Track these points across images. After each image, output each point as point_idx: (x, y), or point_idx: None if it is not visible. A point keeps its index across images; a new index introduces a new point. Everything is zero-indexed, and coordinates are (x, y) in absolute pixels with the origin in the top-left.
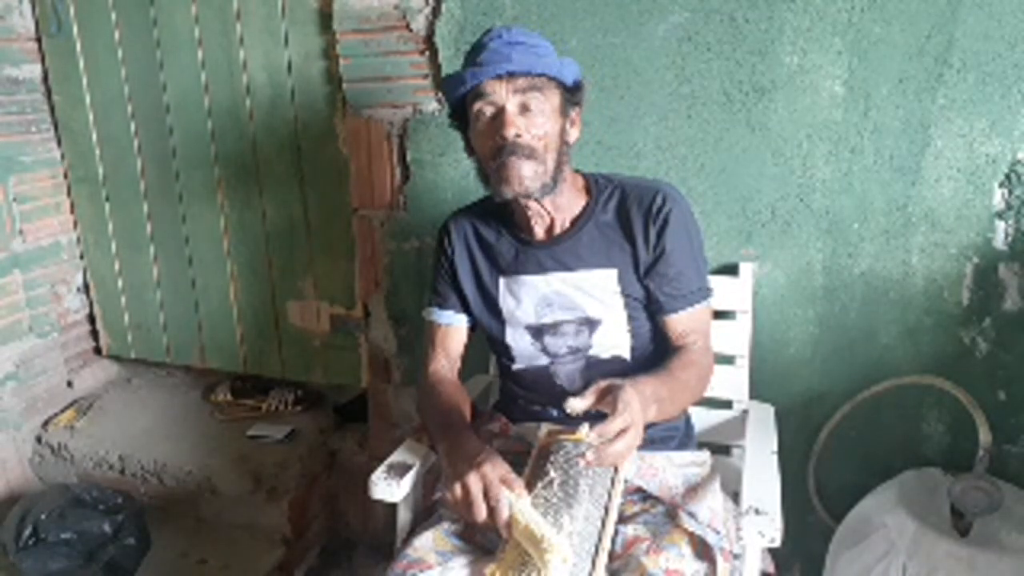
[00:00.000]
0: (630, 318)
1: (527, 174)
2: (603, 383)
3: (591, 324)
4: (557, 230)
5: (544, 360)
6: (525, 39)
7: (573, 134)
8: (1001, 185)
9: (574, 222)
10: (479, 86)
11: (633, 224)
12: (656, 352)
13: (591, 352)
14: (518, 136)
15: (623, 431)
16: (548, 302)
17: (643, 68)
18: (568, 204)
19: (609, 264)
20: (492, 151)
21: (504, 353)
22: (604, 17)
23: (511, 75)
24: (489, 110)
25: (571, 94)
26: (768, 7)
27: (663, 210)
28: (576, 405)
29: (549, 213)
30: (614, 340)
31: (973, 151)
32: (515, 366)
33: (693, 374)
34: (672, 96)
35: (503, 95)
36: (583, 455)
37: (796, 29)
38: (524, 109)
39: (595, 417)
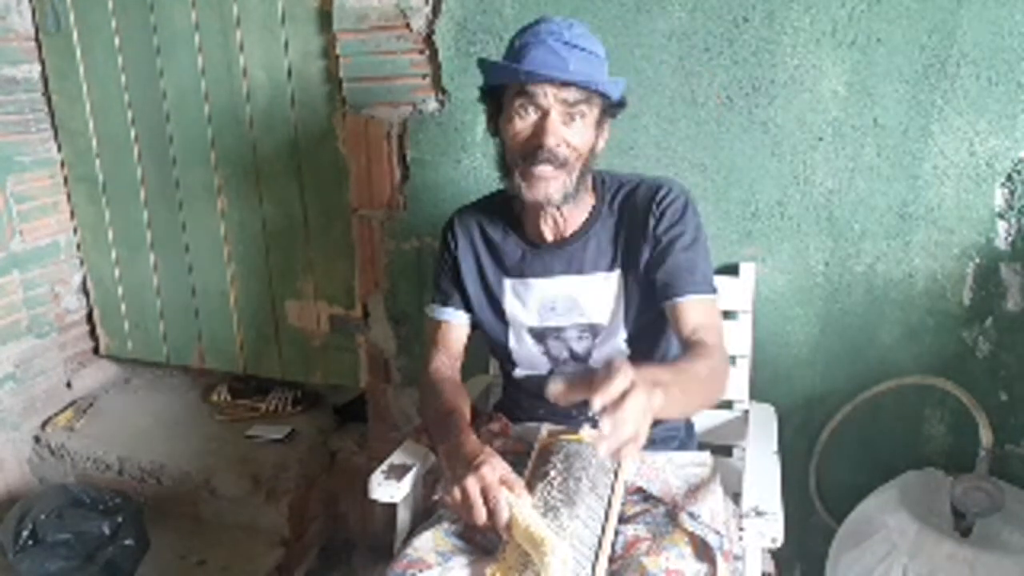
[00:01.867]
0: (628, 324)
1: (555, 185)
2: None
3: (593, 329)
4: (566, 232)
5: (545, 367)
6: (584, 44)
7: (601, 144)
8: (1003, 185)
9: (582, 224)
10: (527, 84)
11: (636, 219)
12: (658, 363)
13: (591, 362)
14: (557, 146)
15: (627, 392)
16: (552, 305)
17: (643, 68)
18: (579, 206)
19: (614, 266)
20: (525, 152)
21: (505, 357)
22: (604, 17)
23: (564, 83)
24: (532, 110)
25: (611, 107)
26: (768, 7)
27: (663, 202)
28: (555, 387)
29: (563, 216)
30: (614, 348)
31: (974, 150)
32: (516, 372)
33: (703, 366)
34: (672, 96)
35: (551, 100)
36: (593, 451)
37: (796, 28)
38: (568, 119)
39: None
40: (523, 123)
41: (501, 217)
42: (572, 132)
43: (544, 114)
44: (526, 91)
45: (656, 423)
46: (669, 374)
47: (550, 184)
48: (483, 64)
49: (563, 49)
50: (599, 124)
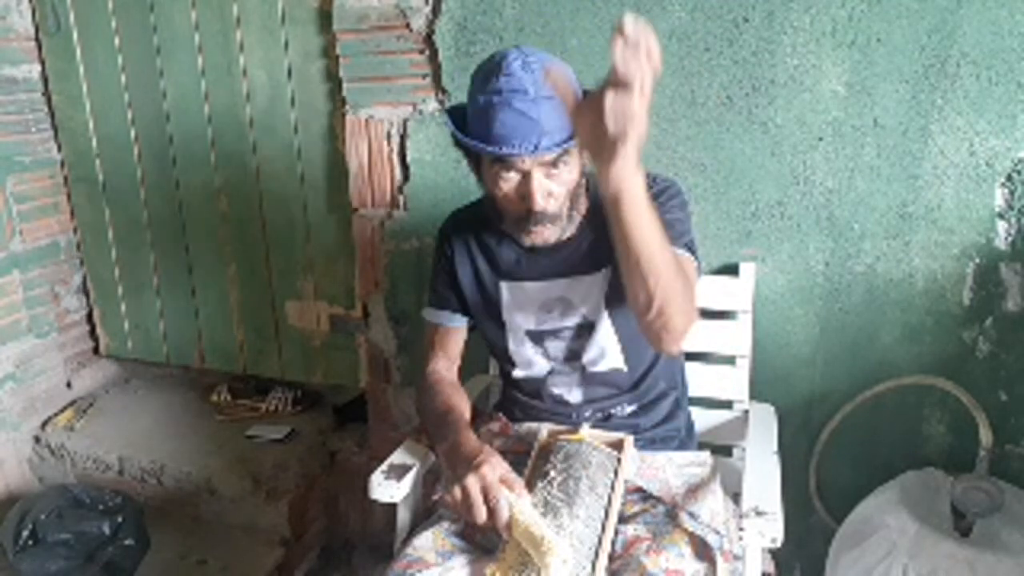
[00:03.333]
0: (613, 315)
1: (551, 231)
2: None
3: (590, 328)
4: (562, 237)
5: (543, 368)
6: (549, 90)
7: (587, 162)
8: (1003, 185)
9: (577, 229)
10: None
11: None
12: (652, 365)
13: (586, 360)
14: (546, 204)
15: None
16: (549, 308)
17: None
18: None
19: (607, 262)
20: (515, 215)
21: (504, 358)
22: (604, 16)
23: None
24: (513, 175)
25: None
26: (768, 7)
27: (652, 187)
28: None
29: None
30: (608, 345)
31: (974, 150)
32: (515, 372)
33: (682, 271)
34: (672, 96)
35: (529, 164)
36: (592, 450)
37: (796, 28)
38: (551, 168)
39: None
40: (507, 185)
41: (495, 220)
42: (558, 181)
43: (526, 175)
44: (502, 160)
45: (656, 425)
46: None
47: (547, 233)
48: (455, 136)
49: (531, 108)
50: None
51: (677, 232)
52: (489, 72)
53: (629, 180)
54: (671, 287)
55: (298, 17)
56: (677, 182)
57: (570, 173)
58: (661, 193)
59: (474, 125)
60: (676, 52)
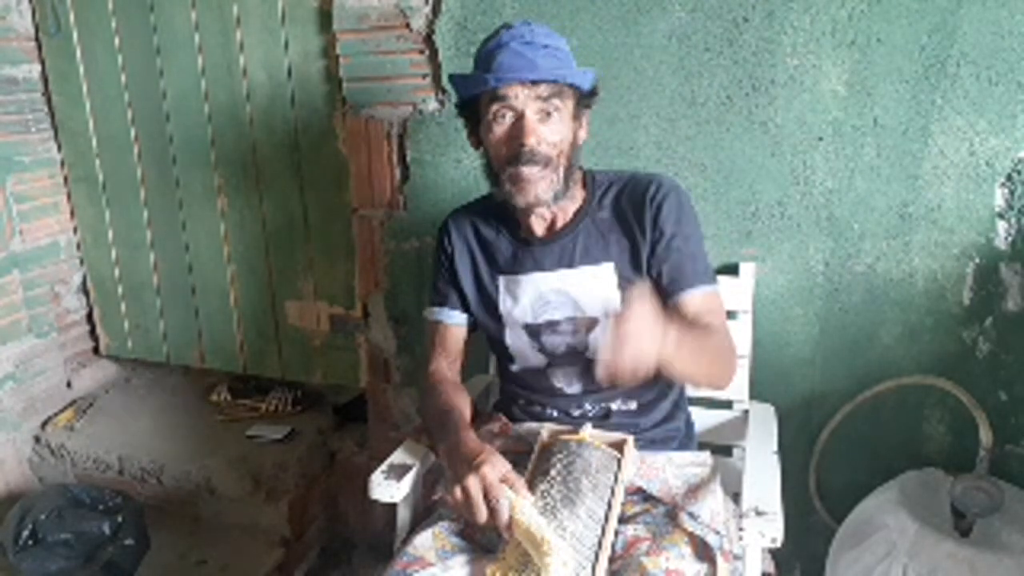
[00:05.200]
0: None
1: (542, 186)
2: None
3: (588, 322)
4: (556, 227)
5: (542, 361)
6: (547, 41)
7: (582, 135)
8: (1003, 185)
9: (572, 218)
10: (499, 89)
11: (629, 216)
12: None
13: (588, 353)
14: (538, 144)
15: (641, 313)
16: (545, 300)
17: (643, 68)
18: (569, 201)
19: (606, 259)
20: (507, 156)
21: (502, 353)
22: (604, 16)
23: (534, 82)
24: (508, 114)
25: (585, 98)
26: (768, 7)
27: (656, 197)
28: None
29: (551, 212)
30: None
31: (974, 150)
32: (513, 367)
33: (714, 341)
34: (672, 96)
35: (524, 101)
36: (593, 451)
37: (796, 28)
38: (544, 116)
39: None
40: (501, 128)
41: (494, 216)
42: (550, 129)
43: (520, 116)
44: (499, 96)
45: (656, 425)
46: (683, 329)
47: (538, 185)
48: (454, 79)
49: (527, 50)
50: (576, 117)
51: (701, 267)
52: (492, 34)
53: (654, 365)
54: (720, 370)
55: (298, 17)
56: (672, 179)
57: (562, 127)
58: (668, 200)
59: (473, 74)
60: (676, 52)
